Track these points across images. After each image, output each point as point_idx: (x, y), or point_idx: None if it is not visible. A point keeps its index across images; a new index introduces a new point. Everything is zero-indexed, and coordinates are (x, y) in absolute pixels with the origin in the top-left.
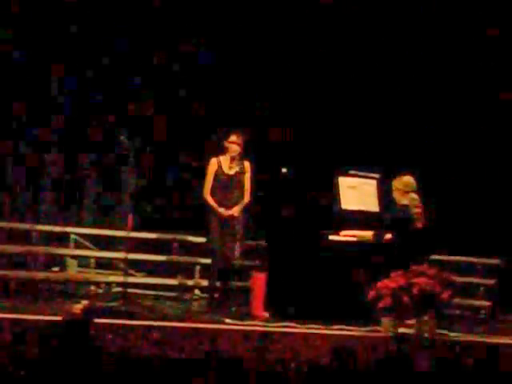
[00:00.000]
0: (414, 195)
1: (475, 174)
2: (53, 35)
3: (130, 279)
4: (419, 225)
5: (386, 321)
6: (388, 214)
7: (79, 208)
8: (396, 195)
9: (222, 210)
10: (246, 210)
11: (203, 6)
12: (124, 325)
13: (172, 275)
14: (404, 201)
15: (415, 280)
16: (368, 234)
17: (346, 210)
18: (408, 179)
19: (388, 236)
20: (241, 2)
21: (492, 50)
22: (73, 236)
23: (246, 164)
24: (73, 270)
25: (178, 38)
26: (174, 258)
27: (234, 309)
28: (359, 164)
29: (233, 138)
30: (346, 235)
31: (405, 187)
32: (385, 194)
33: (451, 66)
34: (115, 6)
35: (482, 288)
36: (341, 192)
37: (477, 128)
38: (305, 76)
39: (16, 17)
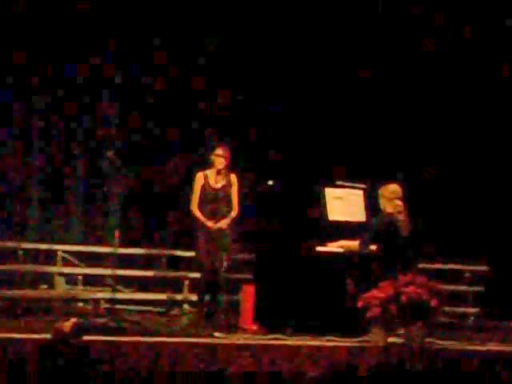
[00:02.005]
0: (399, 202)
1: (462, 181)
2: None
3: (118, 295)
4: (404, 233)
5: (375, 331)
6: (373, 224)
7: (66, 225)
8: (382, 202)
9: (210, 223)
10: (234, 222)
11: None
12: (113, 341)
13: (160, 290)
14: (389, 208)
15: (403, 289)
16: (354, 244)
17: (332, 221)
18: (394, 186)
19: (373, 246)
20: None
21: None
22: (60, 253)
23: (233, 177)
24: (61, 288)
25: None
26: (162, 273)
27: (223, 316)
28: (346, 175)
29: (219, 151)
30: (332, 246)
31: (390, 194)
32: (371, 203)
33: (439, 76)
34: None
35: (470, 295)
36: (327, 203)
37: (463, 137)
38: (290, 89)
39: None
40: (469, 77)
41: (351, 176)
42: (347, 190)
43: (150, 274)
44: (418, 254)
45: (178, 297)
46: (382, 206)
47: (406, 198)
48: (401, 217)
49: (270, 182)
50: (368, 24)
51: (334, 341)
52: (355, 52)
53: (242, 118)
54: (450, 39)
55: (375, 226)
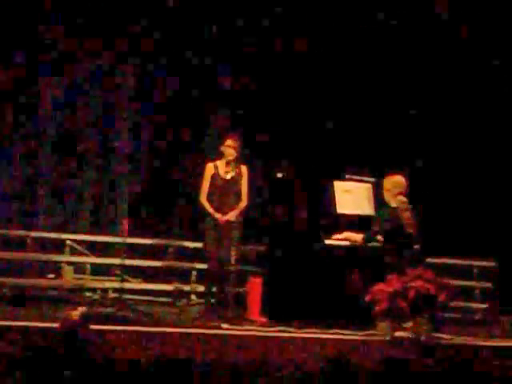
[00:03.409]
0: (403, 198)
1: (468, 175)
2: None
3: (126, 285)
4: (409, 227)
5: (382, 325)
6: (377, 217)
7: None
8: (386, 196)
9: (218, 215)
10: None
11: None
12: (120, 331)
13: (168, 281)
14: (393, 203)
15: (411, 284)
16: (358, 237)
17: (341, 214)
18: (398, 179)
19: (379, 238)
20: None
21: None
22: (68, 242)
23: (243, 168)
24: (69, 277)
25: None
26: (170, 263)
27: (230, 308)
28: (355, 167)
29: (229, 142)
30: (337, 238)
31: (394, 187)
32: (379, 197)
33: (442, 70)
34: None
35: (477, 290)
36: (336, 196)
37: (470, 129)
38: (298, 80)
39: None
40: (478, 68)
41: (360, 170)
42: (356, 183)
43: (157, 264)
44: (424, 248)
45: (186, 287)
46: (386, 199)
47: (413, 193)
48: (406, 213)
49: (280, 175)
50: (373, 22)
51: (341, 334)
52: (364, 48)
53: (254, 111)
54: (455, 33)
55: (379, 219)
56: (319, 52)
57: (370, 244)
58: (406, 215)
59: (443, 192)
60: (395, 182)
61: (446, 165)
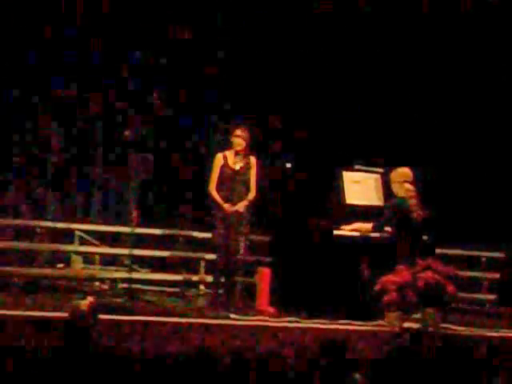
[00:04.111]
0: (409, 186)
1: (479, 167)
2: None
3: (135, 275)
4: (417, 216)
5: (391, 315)
6: (386, 207)
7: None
8: (394, 188)
9: (226, 205)
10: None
11: None
12: (129, 321)
13: (177, 271)
14: (401, 193)
15: (420, 274)
16: (367, 226)
17: (349, 205)
18: (404, 169)
19: (388, 229)
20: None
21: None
22: (77, 232)
23: (252, 159)
24: (78, 267)
25: None
26: (179, 253)
27: (238, 298)
28: (363, 158)
29: (238, 132)
30: (347, 229)
31: (400, 177)
32: (388, 188)
33: (452, 65)
34: None
35: (486, 281)
36: (345, 186)
37: (482, 122)
38: (306, 73)
39: None
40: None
41: (369, 160)
42: (365, 173)
43: (166, 254)
44: (434, 239)
45: (194, 278)
46: (394, 191)
47: (422, 184)
48: (413, 201)
49: (289, 165)
50: (382, 19)
51: (350, 324)
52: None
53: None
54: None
55: (388, 209)
56: (334, 44)
57: (379, 232)
58: (413, 202)
59: (454, 184)
60: (401, 172)
61: (456, 157)
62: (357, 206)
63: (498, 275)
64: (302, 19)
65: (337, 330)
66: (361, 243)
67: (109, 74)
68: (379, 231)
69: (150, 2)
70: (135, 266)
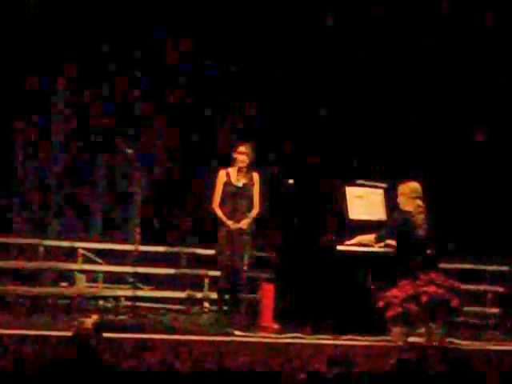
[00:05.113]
0: (420, 202)
1: (483, 180)
2: None
3: (139, 293)
4: (422, 232)
5: (395, 330)
6: (390, 220)
7: (87, 222)
8: (401, 200)
9: (230, 222)
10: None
11: None
12: (133, 339)
13: (181, 288)
14: (409, 207)
15: (424, 288)
16: (369, 238)
17: (353, 220)
18: (415, 185)
19: (390, 242)
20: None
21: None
22: (81, 250)
23: (255, 175)
24: (81, 285)
25: None
26: (183, 270)
27: (242, 315)
28: (365, 175)
29: (241, 148)
30: (350, 244)
31: (411, 193)
32: (392, 203)
33: (452, 74)
34: None
35: (490, 295)
36: (348, 202)
37: (483, 132)
38: (307, 86)
39: None
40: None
41: (372, 175)
42: (368, 188)
43: (170, 271)
44: (437, 253)
45: (198, 295)
46: (400, 204)
47: (426, 197)
48: (421, 216)
49: (291, 181)
50: (385, 26)
51: (355, 339)
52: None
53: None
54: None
55: (392, 222)
56: (334, 53)
57: (382, 242)
58: (421, 217)
59: (456, 196)
60: (413, 187)
61: (462, 170)
62: (360, 220)
63: (502, 289)
64: (300, 35)
65: (341, 345)
66: (364, 258)
67: None
68: (382, 241)
69: None
70: (139, 284)
